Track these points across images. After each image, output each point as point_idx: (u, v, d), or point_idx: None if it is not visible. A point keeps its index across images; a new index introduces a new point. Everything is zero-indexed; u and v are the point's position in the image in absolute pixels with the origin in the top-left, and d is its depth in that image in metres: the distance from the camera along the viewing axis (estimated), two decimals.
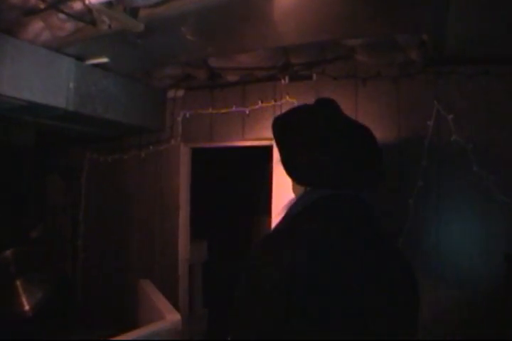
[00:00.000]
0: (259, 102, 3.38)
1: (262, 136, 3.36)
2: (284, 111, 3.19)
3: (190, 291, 3.93)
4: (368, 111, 2.98)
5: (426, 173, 2.80)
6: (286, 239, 1.23)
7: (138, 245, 3.97)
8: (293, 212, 1.35)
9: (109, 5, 2.08)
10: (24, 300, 3.79)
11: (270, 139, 3.26)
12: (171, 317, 2.49)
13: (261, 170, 3.38)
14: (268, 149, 3.20)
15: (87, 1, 2.01)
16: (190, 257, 3.86)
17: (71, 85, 2.86)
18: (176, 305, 3.25)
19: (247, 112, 3.42)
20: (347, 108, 3.02)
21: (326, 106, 1.54)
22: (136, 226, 4.00)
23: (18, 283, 3.80)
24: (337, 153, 1.34)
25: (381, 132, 2.85)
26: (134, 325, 2.80)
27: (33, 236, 4.31)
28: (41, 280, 3.94)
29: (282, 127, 1.49)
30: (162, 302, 2.73)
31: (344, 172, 1.34)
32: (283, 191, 2.98)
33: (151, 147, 3.90)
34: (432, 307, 2.68)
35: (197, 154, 3.89)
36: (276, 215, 2.93)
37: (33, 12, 2.32)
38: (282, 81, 3.30)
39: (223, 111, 3.53)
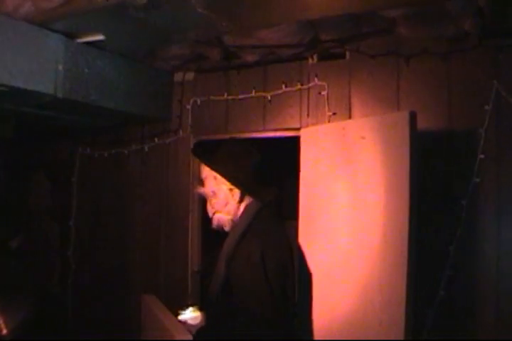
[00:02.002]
0: (283, 86, 3.43)
1: (286, 125, 3.42)
2: (312, 96, 3.31)
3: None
4: (412, 95, 3.01)
5: (483, 168, 2.80)
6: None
7: (140, 255, 4.05)
8: None
9: None
10: (1, 323, 3.80)
11: (296, 129, 3.31)
12: (181, 338, 2.54)
13: (285, 166, 3.40)
14: (294, 141, 3.24)
15: None
16: (202, 269, 3.90)
17: (60, 67, 2.92)
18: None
19: (269, 98, 3.48)
20: (387, 91, 3.11)
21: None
22: (139, 233, 4.08)
23: None
24: None
25: (428, 119, 2.87)
26: None
27: (13, 247, 4.33)
28: (22, 299, 3.97)
29: None
30: (171, 321, 2.77)
31: None
32: (313, 191, 3.02)
33: (155, 140, 3.97)
34: (492, 324, 2.71)
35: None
36: (306, 219, 3.00)
37: None
38: (310, 60, 3.35)
39: (241, 96, 3.60)
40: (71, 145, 4.41)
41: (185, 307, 2.99)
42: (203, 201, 3.82)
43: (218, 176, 2.66)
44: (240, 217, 2.67)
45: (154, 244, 3.97)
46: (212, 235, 4.10)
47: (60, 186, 4.50)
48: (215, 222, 2.78)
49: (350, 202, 2.75)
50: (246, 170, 2.62)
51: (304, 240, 3.03)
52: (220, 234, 3.69)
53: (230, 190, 2.66)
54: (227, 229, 2.75)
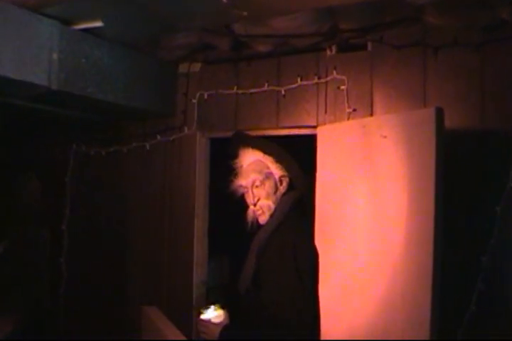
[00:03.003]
0: (299, 80, 3.43)
1: (301, 122, 3.42)
2: (330, 91, 3.31)
3: None
4: (442, 90, 2.99)
5: None
6: None
7: (141, 264, 4.07)
8: None
9: None
10: None
11: (313, 127, 3.32)
12: None
13: (300, 165, 3.41)
14: (310, 140, 3.24)
15: None
16: (208, 279, 3.93)
17: (54, 56, 2.94)
18: (190, 339, 3.32)
19: (283, 92, 3.48)
20: (412, 86, 3.10)
21: None
22: (139, 239, 4.10)
23: None
24: None
25: (459, 117, 2.87)
26: None
27: None
28: (7, 313, 4.00)
29: None
30: (174, 335, 2.80)
31: None
32: (329, 194, 3.03)
33: (158, 137, 3.98)
34: None
35: (216, 146, 3.96)
36: (322, 225, 3.01)
37: None
38: (328, 52, 3.36)
39: (252, 90, 3.60)
40: (65, 142, 4.43)
41: (206, 306, 3.05)
42: (211, 205, 3.90)
43: (271, 164, 2.82)
44: (277, 208, 2.81)
45: (156, 251, 3.99)
46: (218, 242, 4.16)
47: (51, 187, 4.52)
48: (251, 214, 2.93)
49: (370, 208, 2.75)
50: (294, 160, 2.78)
51: (321, 247, 3.02)
52: (227, 241, 3.79)
53: (281, 178, 2.81)
54: (262, 221, 2.89)
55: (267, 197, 2.98)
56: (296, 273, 2.66)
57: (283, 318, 2.66)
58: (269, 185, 2.99)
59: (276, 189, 3.00)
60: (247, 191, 3.07)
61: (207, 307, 3.07)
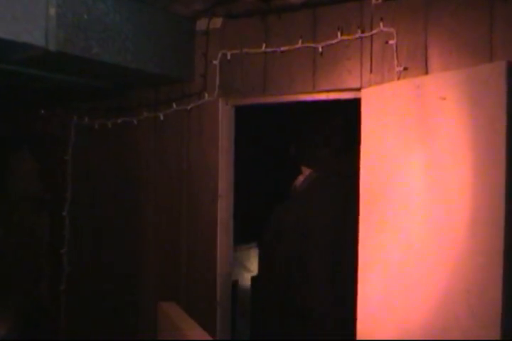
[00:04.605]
0: (338, 34, 3.38)
1: (342, 85, 3.38)
2: (377, 46, 3.27)
3: (234, 318, 4.02)
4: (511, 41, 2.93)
5: None
6: None
7: (155, 254, 4.10)
8: None
9: None
10: None
11: (356, 90, 3.28)
12: None
13: (341, 136, 3.39)
14: (353, 105, 3.21)
15: None
16: (234, 271, 3.94)
17: (52, 12, 2.93)
18: (216, 339, 3.35)
19: (320, 50, 3.44)
20: (476, 37, 3.03)
21: None
22: (153, 226, 4.11)
23: None
24: None
25: None
26: None
27: None
28: (1, 312, 4.05)
29: None
30: (196, 333, 2.82)
31: None
32: (377, 169, 3.00)
33: (173, 105, 3.97)
34: None
35: (243, 115, 3.95)
36: (369, 206, 3.01)
37: None
38: (373, 0, 3.31)
39: (283, 48, 3.56)
40: (64, 113, 4.46)
41: None
42: (236, 184, 3.90)
43: None
44: None
45: (172, 239, 4.01)
46: (247, 229, 4.16)
47: (50, 166, 4.56)
48: None
49: (426, 184, 2.72)
50: None
51: (365, 233, 3.02)
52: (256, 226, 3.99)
53: None
54: None
55: None
56: None
57: None
58: None
59: None
60: None
61: None
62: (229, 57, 3.76)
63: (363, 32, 3.32)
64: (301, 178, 3.88)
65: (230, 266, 3.91)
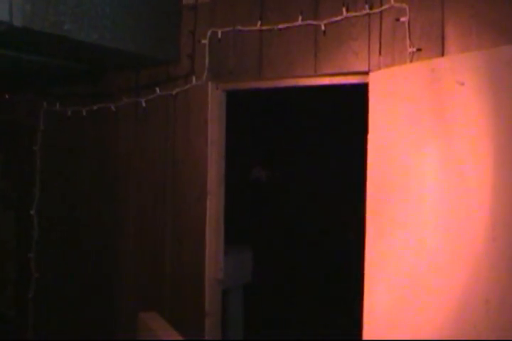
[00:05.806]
0: (344, 10, 3.38)
1: (348, 67, 3.38)
2: (387, 24, 3.27)
3: (224, 330, 4.02)
4: None
5: None
6: None
7: (136, 257, 4.09)
8: None
9: None
10: None
11: (364, 73, 3.29)
12: None
13: (346, 126, 3.39)
14: (360, 90, 3.23)
15: None
16: (225, 276, 3.94)
17: None
18: None
19: (323, 28, 3.44)
20: (498, 13, 3.00)
21: None
22: (132, 226, 4.11)
23: None
24: None
25: None
26: None
27: None
28: None
29: None
30: None
31: None
32: (387, 161, 3.00)
33: (157, 90, 3.97)
34: None
35: (234, 100, 3.97)
36: (376, 203, 3.02)
37: None
38: None
39: (281, 26, 3.56)
40: (32, 99, 4.46)
41: None
42: (228, 177, 3.90)
43: None
44: None
45: (155, 241, 4.01)
46: (239, 229, 4.18)
47: (16, 158, 4.55)
48: None
49: (442, 179, 2.73)
50: None
51: (372, 233, 3.03)
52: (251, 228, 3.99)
53: None
54: None
55: None
56: None
57: None
58: None
59: None
60: None
61: None
62: (220, 35, 3.75)
63: (371, 8, 3.32)
64: None
65: (221, 271, 3.91)
